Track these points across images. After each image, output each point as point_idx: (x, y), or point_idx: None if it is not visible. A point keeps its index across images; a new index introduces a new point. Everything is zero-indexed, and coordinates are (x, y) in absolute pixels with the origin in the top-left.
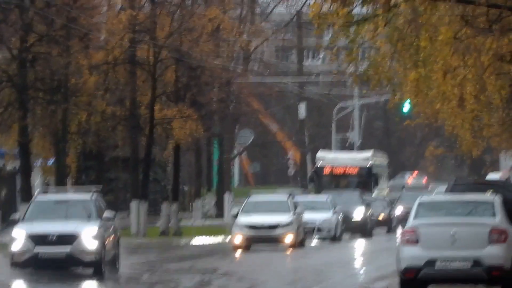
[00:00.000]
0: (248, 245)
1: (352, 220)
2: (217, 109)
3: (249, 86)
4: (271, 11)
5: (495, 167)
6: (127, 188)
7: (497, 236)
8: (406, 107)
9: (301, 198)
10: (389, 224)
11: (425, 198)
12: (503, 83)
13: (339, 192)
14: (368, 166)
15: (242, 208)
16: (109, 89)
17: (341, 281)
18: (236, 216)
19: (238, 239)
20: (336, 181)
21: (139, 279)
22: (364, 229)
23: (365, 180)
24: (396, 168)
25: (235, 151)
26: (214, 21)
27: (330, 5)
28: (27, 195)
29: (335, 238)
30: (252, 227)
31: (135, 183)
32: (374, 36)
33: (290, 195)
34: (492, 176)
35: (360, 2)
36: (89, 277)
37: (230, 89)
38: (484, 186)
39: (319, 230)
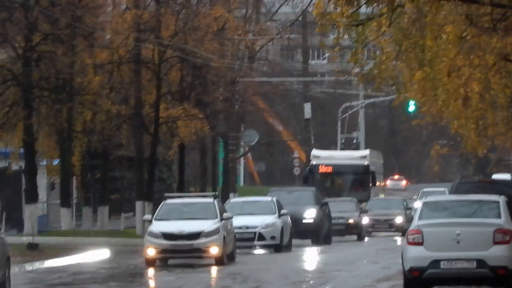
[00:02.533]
0: (164, 258)
1: (303, 223)
2: (222, 108)
3: (254, 85)
4: (277, 11)
5: (500, 166)
6: (132, 187)
7: (501, 236)
8: (411, 107)
9: (240, 199)
10: (359, 230)
11: (430, 198)
12: (507, 82)
13: (288, 191)
14: (365, 164)
15: (157, 213)
16: (114, 88)
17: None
18: (150, 222)
19: (151, 251)
20: (331, 180)
21: (143, 278)
22: (316, 235)
23: (362, 179)
24: (401, 168)
25: (241, 150)
26: (219, 20)
27: (335, 5)
28: (33, 196)
29: (280, 247)
30: (168, 236)
31: (140, 182)
32: (378, 36)
33: (215, 196)
34: (498, 176)
35: (365, 1)
36: None
37: (235, 88)
38: (489, 185)
39: (260, 237)
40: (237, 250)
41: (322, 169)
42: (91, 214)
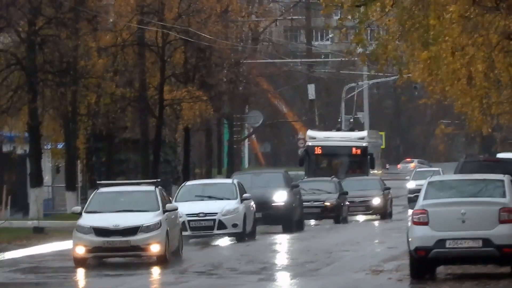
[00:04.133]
0: (97, 257)
1: (272, 206)
2: (226, 90)
3: (258, 66)
4: None
5: (506, 145)
6: (137, 170)
7: (507, 215)
8: (416, 87)
9: (196, 182)
10: (338, 213)
11: (435, 177)
12: (511, 61)
13: (255, 173)
14: (364, 145)
15: (87, 204)
16: (118, 71)
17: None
18: (79, 215)
19: (80, 250)
20: (328, 162)
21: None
22: (288, 220)
23: (360, 161)
24: (407, 148)
25: (245, 132)
26: (222, 2)
27: None
28: (38, 179)
29: (243, 235)
30: (100, 232)
31: (146, 165)
32: (382, 16)
33: (156, 183)
34: (502, 155)
35: None
36: None
37: (239, 70)
38: (494, 163)
39: (220, 225)
40: (194, 240)
41: (318, 151)
42: None
